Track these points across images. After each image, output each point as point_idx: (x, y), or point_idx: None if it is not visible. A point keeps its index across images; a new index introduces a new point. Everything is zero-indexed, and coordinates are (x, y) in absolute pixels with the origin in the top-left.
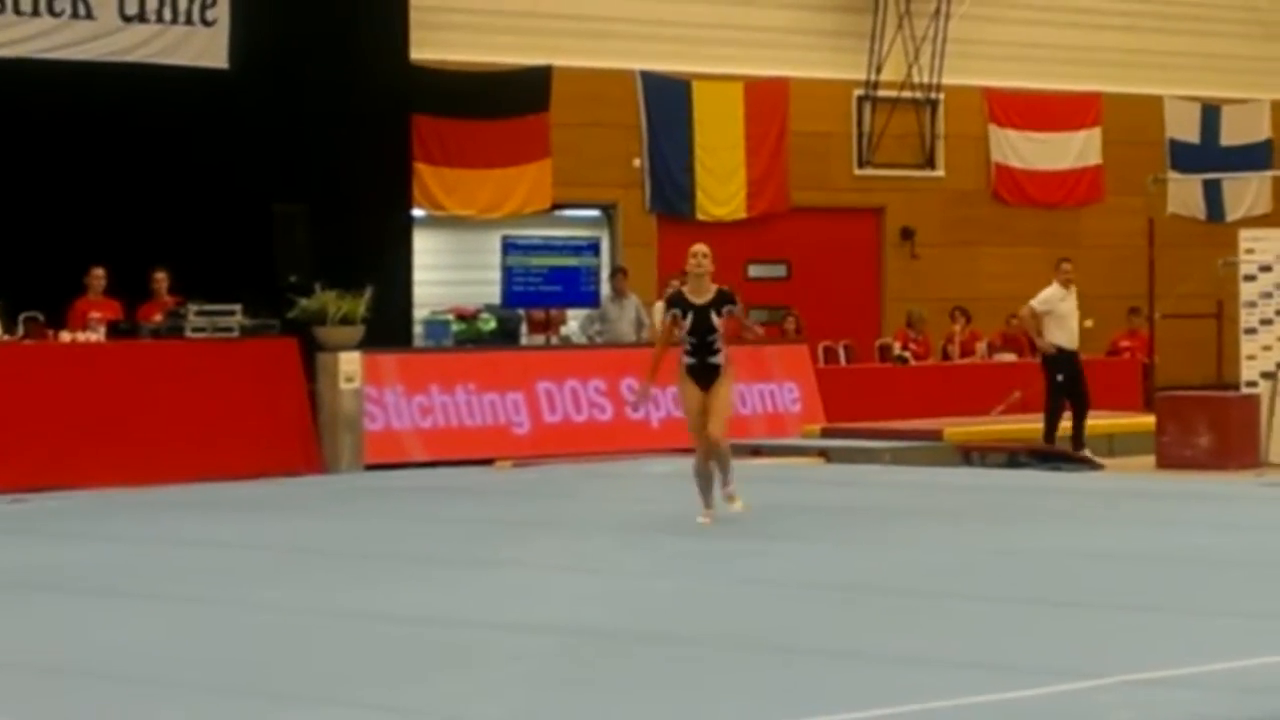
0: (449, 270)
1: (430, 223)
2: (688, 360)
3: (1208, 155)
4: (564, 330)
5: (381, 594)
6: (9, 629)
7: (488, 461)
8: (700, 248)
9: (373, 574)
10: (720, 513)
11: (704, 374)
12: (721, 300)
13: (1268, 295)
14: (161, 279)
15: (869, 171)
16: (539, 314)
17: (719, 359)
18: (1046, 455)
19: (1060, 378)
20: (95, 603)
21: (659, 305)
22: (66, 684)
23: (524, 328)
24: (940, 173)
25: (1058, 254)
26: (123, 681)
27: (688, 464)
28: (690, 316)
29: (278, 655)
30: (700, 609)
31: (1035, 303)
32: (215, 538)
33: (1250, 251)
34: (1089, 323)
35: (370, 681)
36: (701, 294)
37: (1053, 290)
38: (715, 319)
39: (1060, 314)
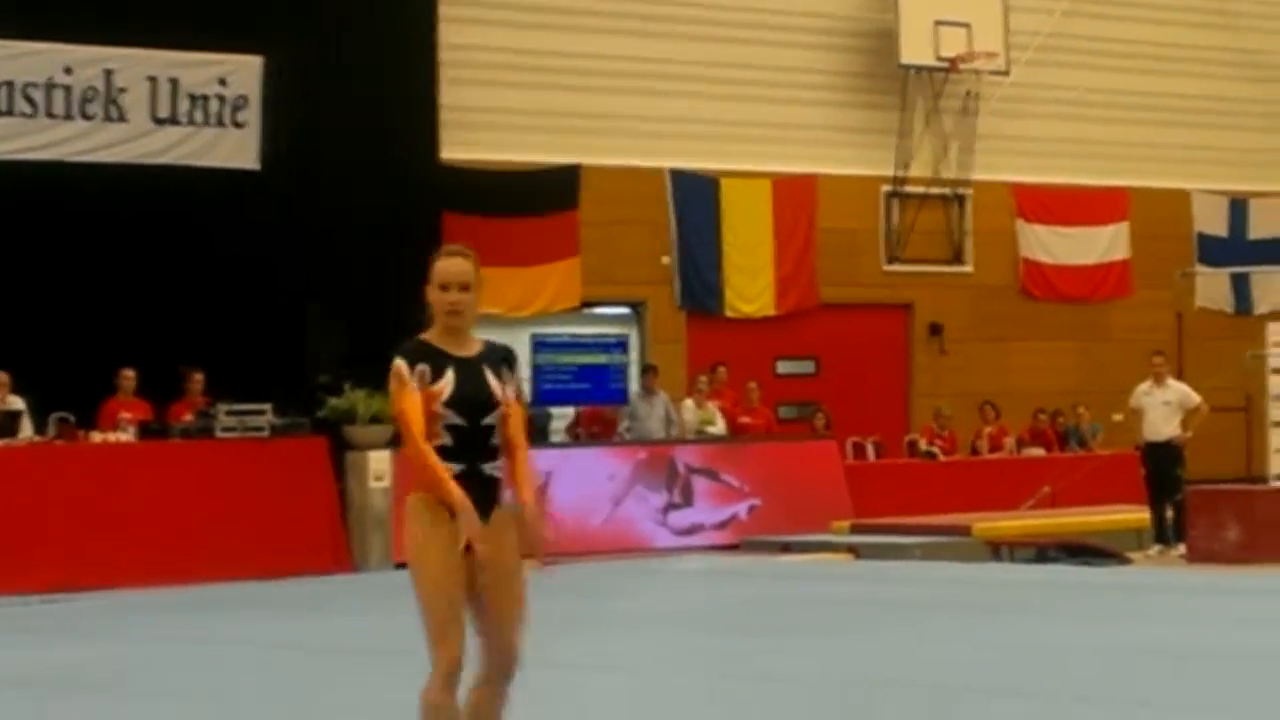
0: None
1: None
2: (453, 467)
3: (1236, 249)
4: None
5: (408, 693)
6: None
7: None
8: (457, 265)
9: (400, 673)
10: None
11: (477, 502)
12: (498, 357)
13: None
14: (198, 379)
15: (897, 267)
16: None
17: (497, 469)
18: (1076, 550)
19: (1145, 472)
20: (122, 704)
21: (396, 367)
22: None
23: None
24: (969, 268)
25: (1086, 349)
26: None
27: (721, 562)
28: (450, 377)
29: None
30: (727, 708)
31: (1130, 400)
32: (244, 637)
33: (1279, 345)
34: (1117, 416)
35: None
36: (462, 344)
37: (1140, 386)
38: (495, 385)
39: (1143, 408)
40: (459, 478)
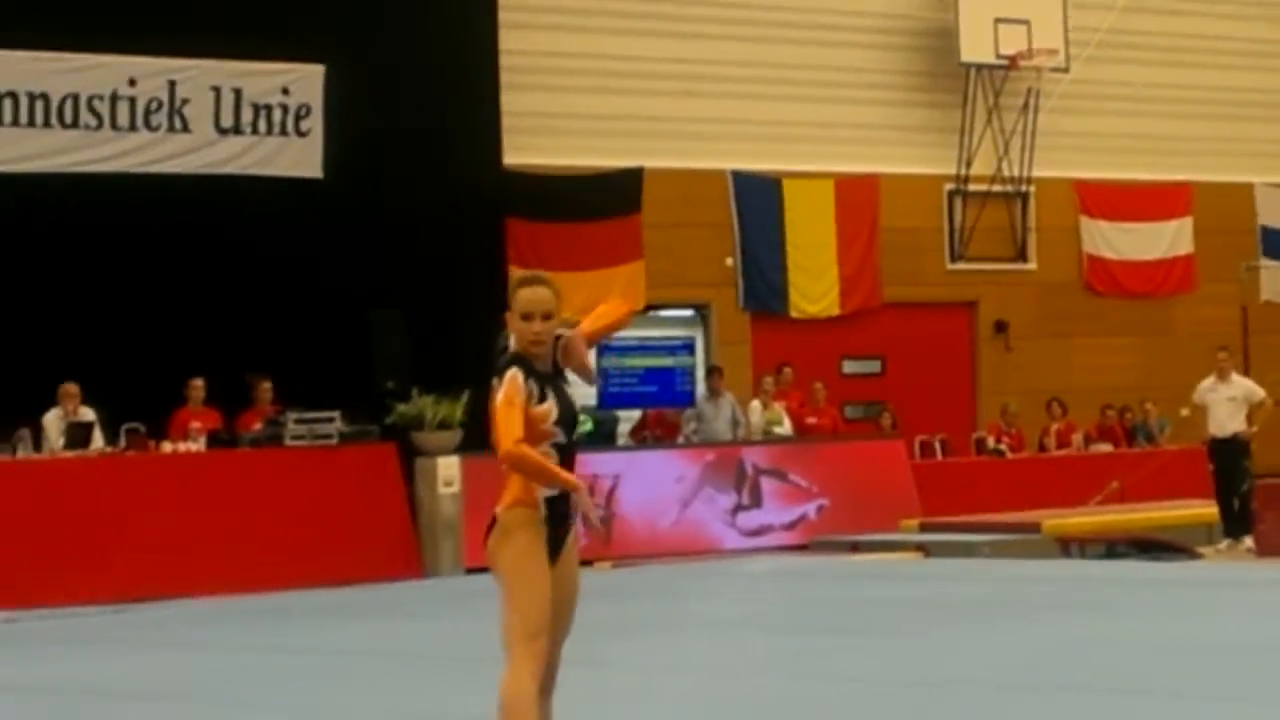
0: None
1: None
2: (545, 493)
3: None
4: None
5: (481, 697)
6: None
7: (587, 563)
8: (540, 295)
9: (473, 678)
10: None
11: (561, 525)
12: (556, 358)
13: None
14: (267, 388)
15: (961, 265)
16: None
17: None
18: (1146, 545)
19: (1211, 468)
20: (193, 712)
21: (513, 374)
22: None
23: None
24: (1032, 265)
25: (1152, 344)
26: None
27: (790, 563)
28: (551, 397)
29: None
30: (797, 708)
31: (1194, 396)
32: (315, 645)
33: None
34: (1185, 411)
35: None
36: (545, 363)
37: (1204, 382)
38: (572, 395)
39: (1208, 404)
40: (554, 500)
